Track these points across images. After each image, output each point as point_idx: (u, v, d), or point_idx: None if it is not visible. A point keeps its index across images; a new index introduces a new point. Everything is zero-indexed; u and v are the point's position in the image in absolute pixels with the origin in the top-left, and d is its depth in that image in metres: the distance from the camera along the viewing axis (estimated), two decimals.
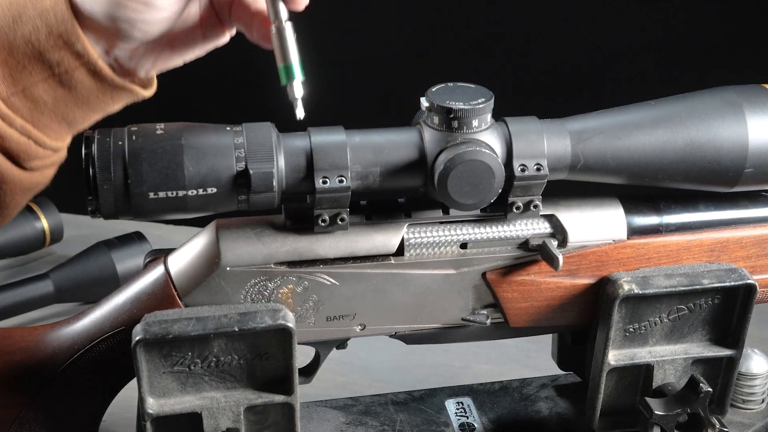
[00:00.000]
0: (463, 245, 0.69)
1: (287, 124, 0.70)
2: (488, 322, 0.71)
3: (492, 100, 0.65)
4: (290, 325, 0.63)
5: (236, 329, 0.63)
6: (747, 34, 1.51)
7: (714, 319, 0.72)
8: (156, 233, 1.18)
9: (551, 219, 0.70)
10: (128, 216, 0.63)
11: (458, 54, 1.63)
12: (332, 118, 0.66)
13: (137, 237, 1.11)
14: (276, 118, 0.67)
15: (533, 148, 0.66)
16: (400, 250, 0.68)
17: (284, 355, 0.65)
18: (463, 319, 0.71)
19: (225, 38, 0.83)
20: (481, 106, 0.64)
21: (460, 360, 1.01)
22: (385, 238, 0.67)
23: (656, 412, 0.71)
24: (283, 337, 0.64)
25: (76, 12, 0.74)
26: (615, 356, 0.71)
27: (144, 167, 0.61)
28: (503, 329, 0.72)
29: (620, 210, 0.71)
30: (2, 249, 1.16)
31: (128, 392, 0.70)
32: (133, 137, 0.62)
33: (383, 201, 0.69)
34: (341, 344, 0.71)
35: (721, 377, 0.74)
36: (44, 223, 1.18)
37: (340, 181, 0.64)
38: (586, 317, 0.72)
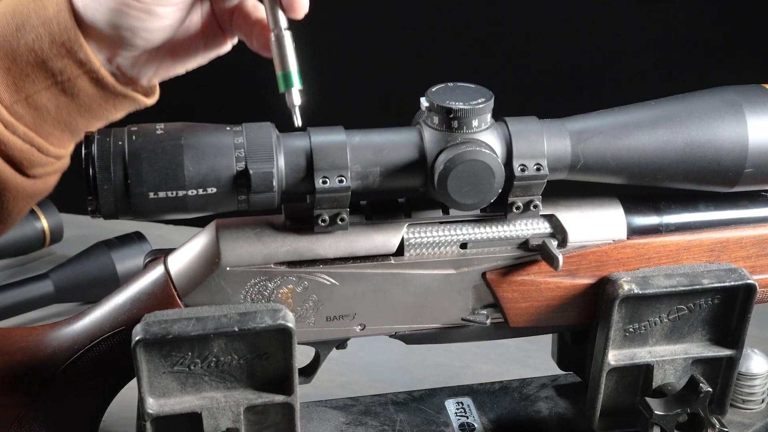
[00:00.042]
0: (463, 245, 0.69)
1: (287, 124, 0.70)
2: (488, 322, 0.71)
3: (492, 100, 0.65)
4: (290, 325, 0.63)
5: (236, 329, 0.63)
6: (747, 34, 1.51)
7: (714, 319, 0.72)
8: (156, 233, 1.18)
9: (551, 219, 0.70)
10: (128, 216, 0.63)
11: (458, 54, 1.63)
12: (332, 118, 0.66)
13: (137, 237, 1.11)
14: (276, 118, 0.67)
15: (533, 148, 0.66)
16: (400, 250, 0.68)
17: (284, 355, 0.65)
18: (463, 319, 0.71)
19: (226, 47, 0.83)
20: (481, 106, 0.64)
21: (460, 360, 1.01)
22: (385, 238, 0.67)
23: (656, 412, 0.71)
24: (283, 337, 0.64)
25: (79, 21, 0.74)
26: (615, 356, 0.71)
27: (144, 167, 0.61)
28: (503, 329, 0.72)
29: (620, 210, 0.71)
30: (2, 249, 1.16)
31: (128, 392, 0.70)
32: (133, 137, 0.62)
33: (383, 201, 0.69)
34: (341, 344, 0.71)
35: (721, 377, 0.74)
36: (44, 223, 1.18)
37: (340, 181, 0.64)
38: (586, 317, 0.72)
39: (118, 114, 0.80)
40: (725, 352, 0.72)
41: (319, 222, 0.65)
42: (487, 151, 0.63)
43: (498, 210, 0.68)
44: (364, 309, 0.69)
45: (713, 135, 0.67)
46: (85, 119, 0.78)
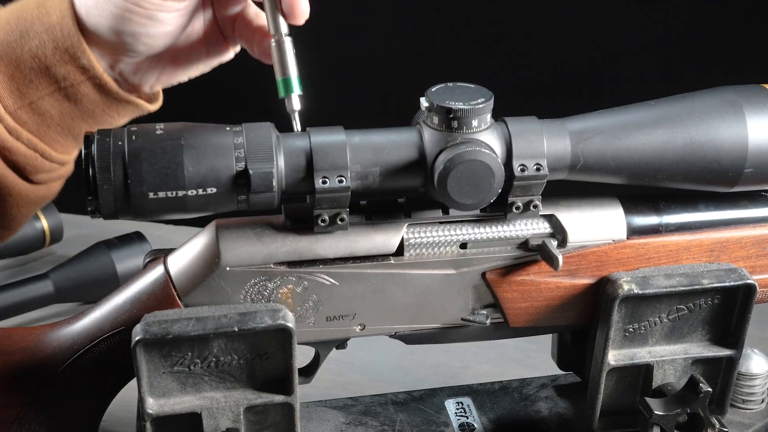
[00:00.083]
0: (463, 245, 0.69)
1: (287, 124, 0.70)
2: (488, 322, 0.71)
3: (492, 100, 0.65)
4: (290, 325, 0.63)
5: (236, 329, 0.63)
6: (747, 34, 1.51)
7: (714, 319, 0.72)
8: (156, 233, 1.18)
9: (551, 219, 0.70)
10: (128, 216, 0.63)
11: (458, 54, 1.63)
12: (332, 118, 0.66)
13: (137, 237, 1.11)
14: (276, 118, 0.67)
15: (533, 148, 0.66)
16: (400, 250, 0.68)
17: (284, 355, 0.65)
18: (462, 319, 0.71)
19: (229, 55, 0.83)
20: (480, 106, 0.64)
21: (460, 360, 1.01)
22: (384, 238, 0.67)
23: (656, 412, 0.71)
24: (282, 337, 0.64)
25: (82, 27, 0.74)
26: (615, 356, 0.71)
27: (144, 167, 0.61)
28: (503, 329, 0.72)
29: (620, 210, 0.71)
30: (2, 249, 1.16)
31: (128, 392, 0.70)
32: (133, 137, 0.62)
33: (383, 201, 0.69)
34: (341, 344, 0.71)
35: (721, 377, 0.74)
36: (44, 223, 1.18)
37: (340, 181, 0.64)
38: (585, 317, 0.72)
39: (122, 120, 0.80)
40: (725, 352, 0.72)
41: (319, 222, 0.65)
42: (487, 151, 0.63)
43: (498, 210, 0.68)
44: (364, 309, 0.69)
45: (713, 135, 0.67)
46: (89, 125, 0.79)
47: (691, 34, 1.55)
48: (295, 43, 0.73)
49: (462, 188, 0.64)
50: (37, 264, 1.20)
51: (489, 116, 0.65)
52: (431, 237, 0.68)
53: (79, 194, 0.65)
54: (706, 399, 0.71)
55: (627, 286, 0.68)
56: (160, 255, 0.69)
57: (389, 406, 0.82)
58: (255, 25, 0.79)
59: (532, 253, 0.69)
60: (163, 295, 0.67)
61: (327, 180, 0.63)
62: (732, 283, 0.69)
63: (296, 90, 0.72)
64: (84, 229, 1.22)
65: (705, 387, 0.70)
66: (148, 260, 0.70)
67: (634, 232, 0.71)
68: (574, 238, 0.69)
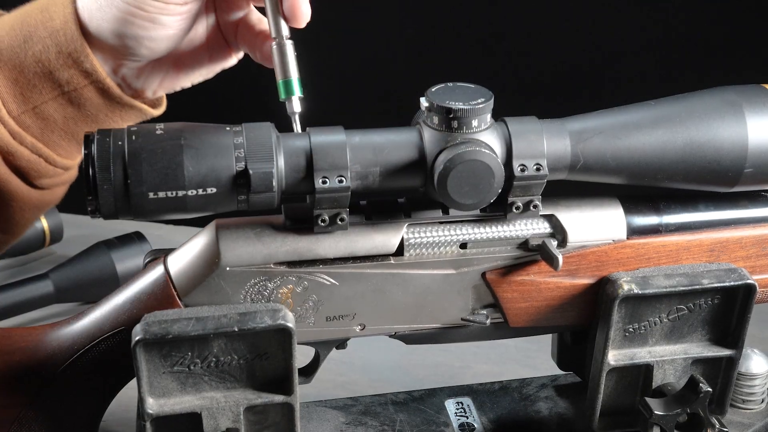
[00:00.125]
0: (463, 245, 0.69)
1: (287, 125, 0.70)
2: (488, 322, 0.71)
3: (492, 100, 0.65)
4: (290, 325, 0.63)
5: (236, 329, 0.63)
6: (747, 34, 1.51)
7: (714, 319, 0.72)
8: (156, 233, 1.18)
9: (551, 219, 0.70)
10: (128, 216, 0.63)
11: (459, 54, 1.63)
12: (332, 118, 0.66)
13: (137, 237, 1.11)
14: (276, 119, 0.67)
15: (533, 148, 0.66)
16: (400, 250, 0.68)
17: (284, 355, 0.65)
18: (462, 319, 0.71)
19: (232, 61, 0.84)
20: (480, 106, 0.64)
21: (460, 360, 1.01)
22: (384, 238, 0.67)
23: (656, 412, 0.71)
24: (282, 337, 0.64)
25: (85, 31, 0.75)
26: (615, 356, 0.71)
27: (144, 167, 0.61)
28: (503, 329, 0.72)
29: (620, 210, 0.71)
30: None
31: (128, 392, 0.70)
32: (133, 137, 0.62)
33: (383, 201, 0.69)
34: (341, 344, 0.71)
35: (721, 377, 0.74)
36: (44, 223, 1.18)
37: (340, 181, 0.64)
38: (585, 317, 0.72)
39: (125, 124, 0.81)
40: (725, 352, 0.72)
41: (319, 222, 0.65)
42: (486, 151, 0.63)
43: (498, 210, 0.68)
44: (364, 309, 0.69)
45: (713, 135, 0.67)
46: (92, 129, 0.79)
47: (691, 34, 1.55)
48: (295, 45, 0.73)
49: (462, 188, 0.64)
50: (37, 264, 1.20)
51: (489, 116, 0.65)
52: (431, 237, 0.68)
53: (79, 194, 0.66)
54: (706, 399, 0.71)
55: (627, 286, 0.68)
56: (160, 255, 0.69)
57: (389, 406, 0.82)
58: (257, 29, 0.79)
59: (532, 253, 0.69)
60: (163, 295, 0.67)
61: (327, 180, 0.63)
62: (732, 283, 0.69)
63: (297, 92, 0.72)
64: (84, 229, 1.22)
65: (705, 387, 0.70)
66: (148, 260, 0.70)
67: (634, 232, 0.71)
68: (574, 238, 0.69)
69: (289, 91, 0.72)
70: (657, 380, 0.72)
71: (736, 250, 0.72)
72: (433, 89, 0.66)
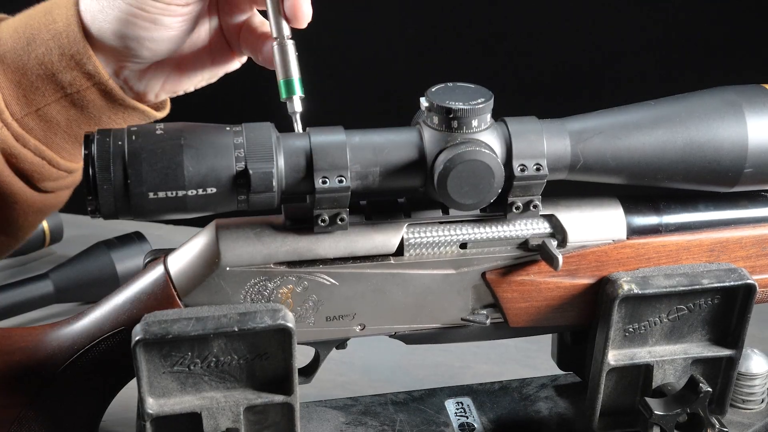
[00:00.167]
0: (463, 245, 0.69)
1: (287, 125, 0.70)
2: (488, 322, 0.71)
3: (492, 100, 0.65)
4: (290, 325, 0.63)
5: (236, 329, 0.63)
6: (747, 34, 1.51)
7: (714, 319, 0.72)
8: (156, 233, 1.18)
9: (551, 219, 0.70)
10: (128, 216, 0.63)
11: (459, 54, 1.63)
12: (332, 118, 0.67)
13: (137, 237, 1.11)
14: (276, 119, 0.67)
15: (533, 148, 0.66)
16: (400, 250, 0.68)
17: (284, 355, 0.65)
18: (462, 319, 0.71)
19: (234, 64, 0.84)
20: (480, 106, 0.64)
21: (460, 360, 1.01)
22: (384, 238, 0.67)
23: (656, 412, 0.71)
24: (282, 337, 0.64)
25: (87, 33, 0.75)
26: (615, 356, 0.71)
27: (144, 167, 0.61)
28: (503, 329, 0.72)
29: (620, 210, 0.71)
30: None
31: (128, 392, 0.70)
32: (133, 137, 0.62)
33: (383, 201, 0.69)
34: (341, 344, 0.71)
35: (721, 377, 0.74)
36: (44, 223, 1.18)
37: (340, 181, 0.64)
38: (585, 317, 0.72)
39: None
40: (725, 352, 0.72)
41: (319, 222, 0.65)
42: (486, 151, 0.63)
43: (498, 210, 0.68)
44: (364, 309, 0.69)
45: (713, 135, 0.67)
46: None
47: (691, 34, 1.55)
48: (297, 45, 0.73)
49: (462, 188, 0.64)
50: (37, 264, 1.20)
51: (489, 116, 0.65)
52: (431, 237, 0.68)
53: (79, 194, 0.66)
54: (706, 399, 0.71)
55: (627, 286, 0.68)
56: (160, 255, 0.69)
57: (389, 406, 0.82)
58: (260, 32, 0.80)
59: (532, 253, 0.69)
60: (163, 295, 0.67)
61: (327, 180, 0.63)
62: (732, 283, 0.69)
63: (298, 92, 0.72)
64: (84, 229, 1.22)
65: (705, 387, 0.70)
66: (148, 260, 0.70)
67: (634, 232, 0.71)
68: (574, 238, 0.69)
69: (290, 91, 0.72)
70: (657, 380, 0.72)
71: (736, 250, 0.72)
72: (433, 89, 0.66)
